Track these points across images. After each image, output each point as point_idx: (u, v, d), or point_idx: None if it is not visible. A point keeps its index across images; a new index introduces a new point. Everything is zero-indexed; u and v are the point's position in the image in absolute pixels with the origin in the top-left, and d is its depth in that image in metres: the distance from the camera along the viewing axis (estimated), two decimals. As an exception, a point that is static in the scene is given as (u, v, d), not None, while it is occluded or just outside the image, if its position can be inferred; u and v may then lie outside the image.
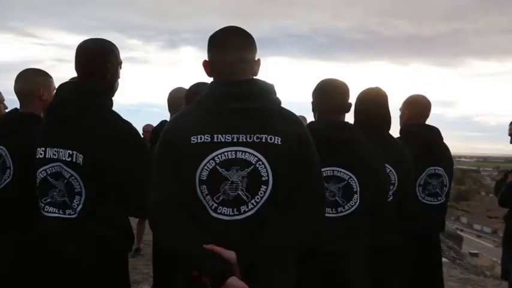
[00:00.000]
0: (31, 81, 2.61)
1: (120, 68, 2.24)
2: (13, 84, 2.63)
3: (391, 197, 2.64)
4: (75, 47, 2.17)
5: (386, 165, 2.57)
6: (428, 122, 3.31)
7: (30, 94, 2.60)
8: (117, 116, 2.11)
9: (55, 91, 2.27)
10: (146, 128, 6.42)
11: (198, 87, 2.59)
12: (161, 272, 2.68)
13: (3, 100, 4.06)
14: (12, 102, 3.98)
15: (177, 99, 2.97)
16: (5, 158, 2.51)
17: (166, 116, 3.17)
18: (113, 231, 2.06)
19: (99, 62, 2.14)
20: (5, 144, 2.53)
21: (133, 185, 2.05)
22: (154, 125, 3.75)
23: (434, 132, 3.24)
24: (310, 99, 2.49)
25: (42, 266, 2.14)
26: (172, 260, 1.83)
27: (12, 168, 2.49)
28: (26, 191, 2.27)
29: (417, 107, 3.26)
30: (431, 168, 3.14)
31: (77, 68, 2.16)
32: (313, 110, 2.49)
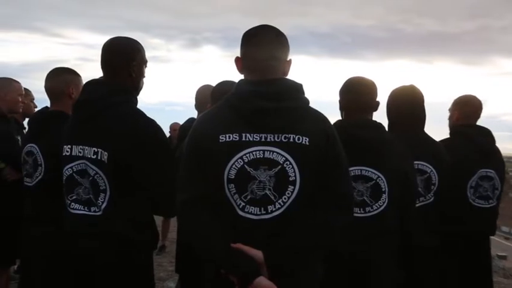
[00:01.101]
0: (61, 79, 2.67)
1: (146, 66, 2.24)
2: (40, 83, 2.68)
3: (432, 197, 2.60)
4: (100, 46, 2.18)
5: (427, 165, 2.54)
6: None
7: (60, 92, 2.65)
8: (142, 114, 2.10)
9: (82, 88, 2.27)
10: (174, 126, 6.45)
11: (223, 85, 2.57)
12: (187, 270, 2.68)
13: (33, 99, 4.16)
14: (41, 101, 4.08)
15: (205, 96, 2.97)
16: (37, 155, 2.57)
17: (190, 114, 3.18)
18: (137, 229, 2.06)
19: (124, 60, 2.14)
20: (36, 142, 2.60)
21: (155, 183, 2.04)
22: (180, 123, 3.77)
23: (486, 134, 3.13)
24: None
25: (65, 262, 2.16)
26: (199, 257, 1.82)
27: (43, 166, 2.54)
28: (57, 188, 2.30)
29: (467, 107, 3.18)
30: (482, 170, 3.02)
31: (103, 66, 2.17)
32: (340, 108, 2.45)
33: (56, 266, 2.35)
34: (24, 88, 3.68)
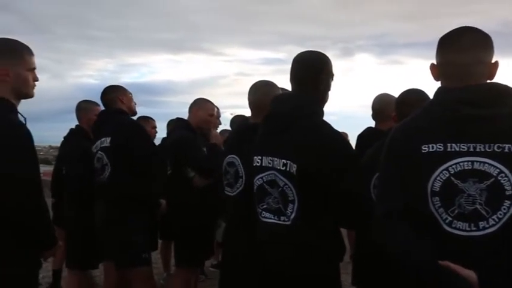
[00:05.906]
0: (261, 92, 2.71)
1: (332, 80, 2.24)
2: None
3: None
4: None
5: None
6: None
7: (261, 105, 2.62)
8: (329, 127, 2.10)
9: (271, 102, 2.31)
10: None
11: (410, 93, 2.49)
12: (369, 285, 2.62)
13: (220, 116, 4.53)
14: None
15: (385, 105, 2.98)
16: (238, 167, 2.65)
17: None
18: (327, 241, 2.07)
19: (313, 73, 2.17)
20: (236, 153, 2.67)
21: (341, 196, 2.02)
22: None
23: None
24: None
25: (257, 267, 2.24)
26: (393, 274, 1.75)
27: (244, 177, 2.60)
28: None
29: None
30: None
31: (292, 79, 2.23)
32: None
33: (249, 270, 2.45)
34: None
